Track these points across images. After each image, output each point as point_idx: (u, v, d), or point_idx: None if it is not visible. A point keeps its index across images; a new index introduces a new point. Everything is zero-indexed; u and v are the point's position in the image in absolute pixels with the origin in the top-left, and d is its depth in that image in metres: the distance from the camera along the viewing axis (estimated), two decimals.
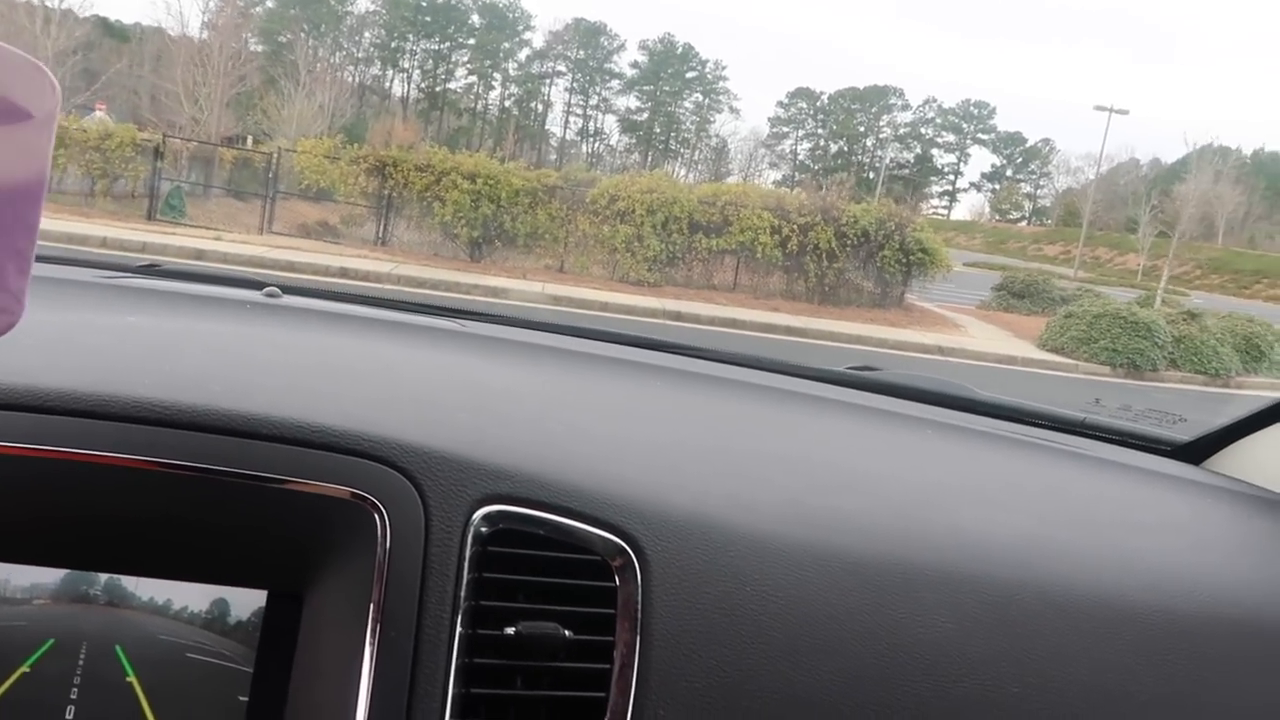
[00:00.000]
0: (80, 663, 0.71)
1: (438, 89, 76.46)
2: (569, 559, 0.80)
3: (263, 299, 1.22)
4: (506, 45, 76.49)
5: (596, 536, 0.80)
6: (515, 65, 78.02)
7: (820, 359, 1.48)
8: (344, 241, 14.24)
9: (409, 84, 76.84)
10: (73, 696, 0.70)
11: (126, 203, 14.48)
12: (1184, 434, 1.37)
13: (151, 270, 1.37)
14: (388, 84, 75.95)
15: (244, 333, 1.08)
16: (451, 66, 76.24)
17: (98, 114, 19.78)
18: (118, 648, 0.71)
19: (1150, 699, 0.87)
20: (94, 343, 0.94)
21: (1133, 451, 1.32)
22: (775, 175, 77.79)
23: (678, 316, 12.07)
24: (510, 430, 0.92)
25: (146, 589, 0.73)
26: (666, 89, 78.19)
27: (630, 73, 79.31)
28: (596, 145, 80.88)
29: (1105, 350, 12.78)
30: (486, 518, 0.78)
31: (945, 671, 0.83)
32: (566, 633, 0.76)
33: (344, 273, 11.83)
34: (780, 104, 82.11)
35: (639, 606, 0.79)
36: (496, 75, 77.48)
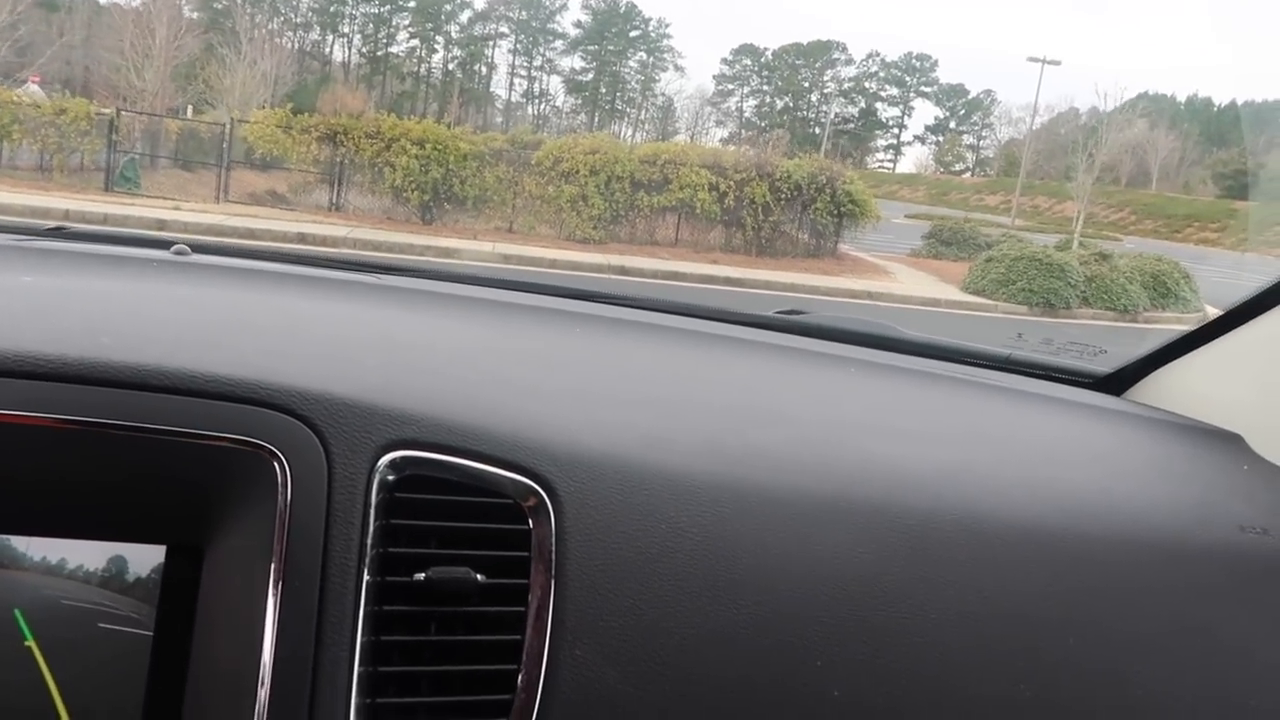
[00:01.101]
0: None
1: (379, 53, 75.81)
2: (480, 503, 0.79)
3: (170, 257, 1.20)
4: (448, 7, 75.92)
5: (507, 479, 0.80)
6: (457, 27, 77.51)
7: (758, 307, 1.48)
8: (298, 208, 14.80)
9: (350, 49, 76.10)
10: None
11: (82, 175, 14.90)
12: (1105, 366, 1.38)
13: (59, 233, 1.33)
14: (328, 49, 75.21)
15: (145, 289, 1.05)
16: (393, 30, 75.60)
17: (32, 87, 19.91)
18: (16, 611, 0.70)
19: (1063, 618, 0.88)
20: None
21: (1055, 384, 1.34)
22: (722, 133, 78.34)
23: (622, 271, 12.82)
24: (417, 377, 0.91)
25: (40, 549, 0.71)
26: (611, 48, 78.20)
27: (574, 33, 79.12)
28: (542, 107, 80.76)
29: (1022, 291, 13.77)
30: (392, 464, 0.78)
31: (864, 600, 0.84)
32: (479, 577, 0.76)
33: (301, 238, 12.42)
34: (725, 61, 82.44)
35: (553, 548, 0.78)
36: (439, 38, 76.96)
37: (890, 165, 79.87)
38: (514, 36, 79.17)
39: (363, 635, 0.73)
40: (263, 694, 0.70)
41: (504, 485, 0.80)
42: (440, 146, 14.50)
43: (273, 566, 0.72)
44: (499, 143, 16.26)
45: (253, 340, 0.90)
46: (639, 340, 1.23)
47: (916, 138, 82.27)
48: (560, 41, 79.52)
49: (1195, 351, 1.28)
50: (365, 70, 73.70)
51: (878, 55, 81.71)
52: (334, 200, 14.97)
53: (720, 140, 71.27)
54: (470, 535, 0.78)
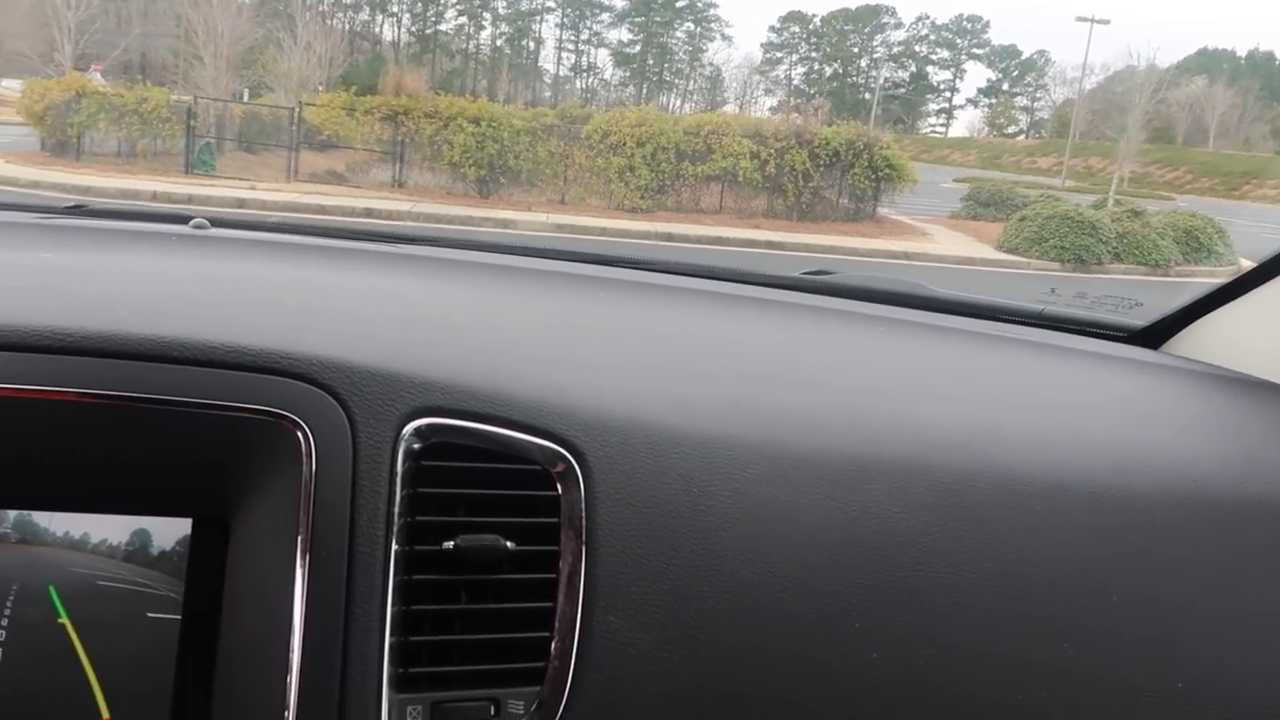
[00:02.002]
0: (9, 605, 0.70)
1: (428, 32, 76.90)
2: (508, 469, 0.79)
3: (190, 231, 1.20)
4: None
5: (534, 445, 0.80)
6: (504, 3, 78.34)
7: (797, 268, 1.46)
8: (363, 186, 15.84)
9: (399, 28, 77.27)
10: (1, 639, 0.70)
11: (163, 159, 16.06)
12: (1141, 319, 1.37)
13: (78, 210, 1.34)
14: (377, 29, 76.45)
15: (164, 263, 1.05)
16: (441, 8, 76.62)
17: (95, 75, 21.11)
18: (51, 588, 0.71)
19: (1105, 574, 0.87)
20: None
21: (1090, 339, 1.32)
22: (770, 102, 78.48)
23: (668, 238, 13.65)
24: (441, 344, 0.90)
25: (65, 524, 0.72)
26: (658, 20, 78.55)
27: (620, 5, 79.55)
28: (591, 80, 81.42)
29: (1055, 248, 14.37)
30: (417, 432, 0.77)
31: (900, 561, 0.83)
32: (509, 544, 0.76)
33: (369, 212, 13.39)
34: (772, 29, 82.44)
35: (583, 513, 0.78)
36: (486, 15, 77.87)
37: (943, 130, 79.46)
38: (561, 11, 79.84)
39: (393, 605, 0.73)
40: (294, 664, 0.70)
41: (531, 451, 0.80)
42: (495, 124, 15.44)
43: (299, 537, 0.72)
44: (549, 118, 17.15)
45: (273, 311, 0.90)
46: (664, 304, 1.22)
47: (969, 101, 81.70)
48: (607, 14, 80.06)
49: (1233, 303, 1.25)
50: (415, 49, 74.87)
51: (927, 18, 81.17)
52: (396, 177, 15.98)
53: (769, 109, 71.49)
54: (498, 502, 0.78)
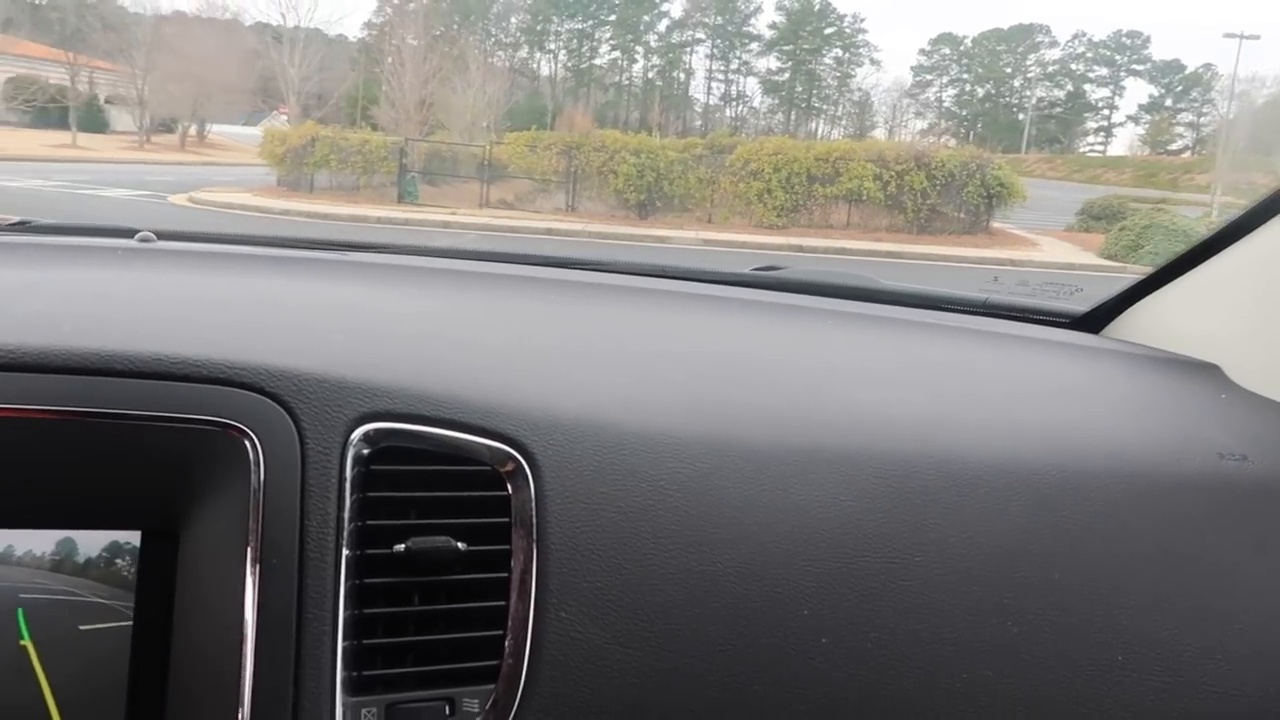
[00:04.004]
0: None
1: (583, 66, 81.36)
2: (458, 471, 0.81)
3: (135, 245, 1.21)
4: (646, 18, 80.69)
5: (483, 446, 0.81)
6: (655, 37, 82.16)
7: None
8: (542, 211, 19.11)
9: (556, 64, 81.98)
10: None
11: (377, 191, 19.70)
12: (1082, 305, 1.42)
13: (21, 226, 1.33)
14: (535, 65, 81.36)
15: (108, 276, 1.05)
16: (595, 44, 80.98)
17: (280, 118, 24.96)
18: (19, 611, 0.71)
19: (1047, 553, 0.90)
20: None
21: (1032, 325, 1.37)
22: (920, 124, 79.75)
23: (799, 249, 16.26)
24: (387, 349, 0.91)
25: (10, 540, 0.72)
26: (806, 47, 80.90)
27: (769, 34, 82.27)
28: (740, 109, 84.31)
29: (1148, 254, 16.38)
30: (365, 437, 0.79)
31: (849, 548, 0.86)
32: (460, 545, 0.78)
33: (549, 232, 16.49)
34: (923, 52, 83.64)
35: (533, 512, 0.80)
36: (638, 48, 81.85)
37: (1101, 148, 79.06)
38: (710, 42, 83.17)
39: (345, 609, 0.75)
40: (247, 671, 0.71)
41: (480, 452, 0.81)
42: (652, 155, 18.64)
43: (249, 546, 0.73)
44: (698, 149, 20.04)
45: (218, 321, 0.91)
46: (614, 304, 1.24)
47: (1129, 118, 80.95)
48: (755, 44, 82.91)
49: (1168, 285, 1.29)
50: (570, 83, 79.44)
51: (1084, 35, 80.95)
52: (569, 203, 19.23)
53: (919, 132, 72.86)
54: (449, 504, 0.80)
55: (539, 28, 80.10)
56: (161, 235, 1.26)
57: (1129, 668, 0.89)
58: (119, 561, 0.74)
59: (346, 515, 0.77)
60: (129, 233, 1.25)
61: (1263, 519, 0.98)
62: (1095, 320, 1.40)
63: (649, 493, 0.84)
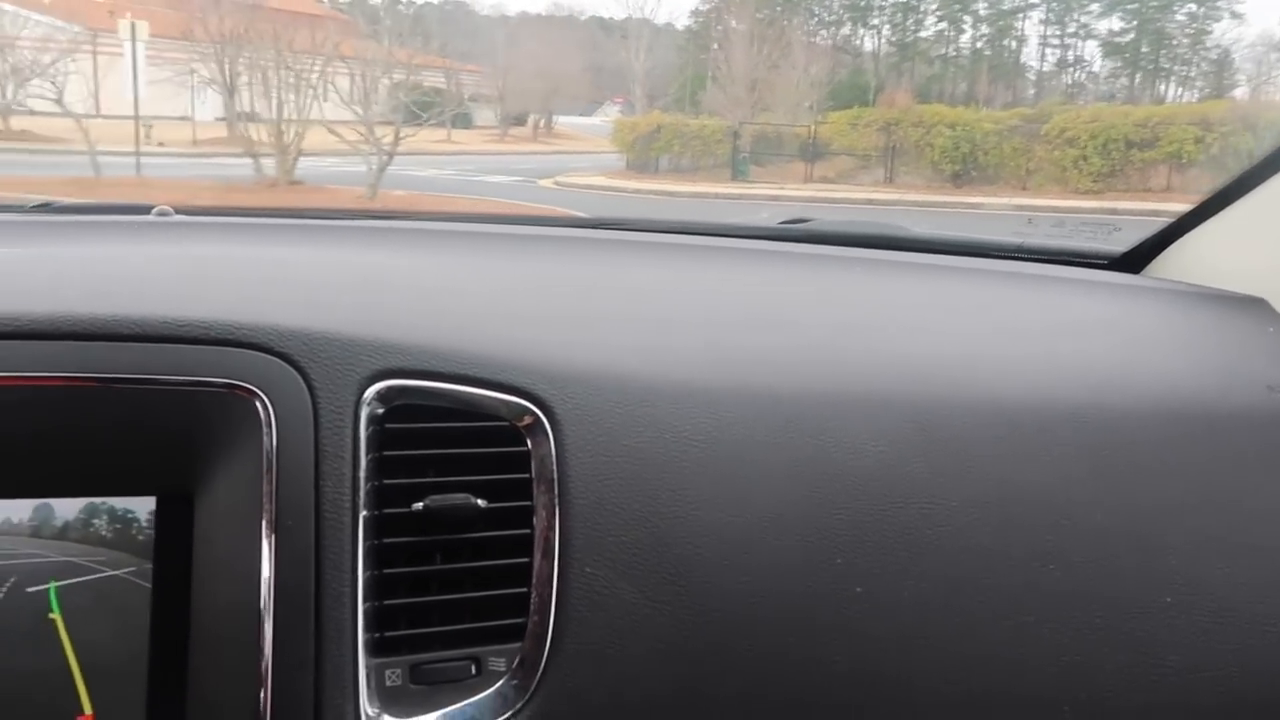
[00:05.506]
0: (14, 598, 0.72)
1: (907, 40, 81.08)
2: (476, 428, 0.81)
3: (151, 219, 1.22)
4: None
5: (500, 400, 0.82)
6: (985, 5, 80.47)
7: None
8: (862, 183, 21.05)
9: (879, 39, 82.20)
10: None
11: (711, 172, 22.24)
12: (1120, 245, 1.42)
13: (44, 208, 1.35)
14: (858, 42, 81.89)
15: (121, 248, 1.07)
16: (920, 16, 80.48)
17: (614, 108, 27.61)
18: (52, 586, 0.73)
19: (1089, 494, 0.90)
20: None
21: (1069, 267, 1.36)
22: None
23: (1113, 212, 17.11)
24: (401, 308, 0.92)
25: (27, 509, 0.73)
26: (1153, 4, 76.44)
27: None
28: (1077, 74, 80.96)
29: None
30: (379, 395, 0.80)
31: (881, 496, 0.86)
32: (480, 502, 0.79)
33: (869, 202, 18.18)
34: None
35: (554, 466, 0.81)
36: (966, 18, 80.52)
37: None
38: (1045, 5, 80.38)
39: (364, 570, 0.76)
40: (268, 634, 0.72)
41: (497, 407, 0.82)
42: (968, 127, 20.10)
43: (265, 508, 0.74)
44: (1013, 120, 21.22)
45: (229, 285, 0.92)
46: (635, 259, 1.24)
47: None
48: (1096, 4, 79.22)
49: (1210, 221, 1.28)
50: (894, 58, 79.22)
51: None
52: (887, 175, 21.10)
53: None
54: (466, 461, 0.80)
55: (862, 3, 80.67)
56: (180, 210, 1.26)
57: (1178, 609, 0.88)
58: (135, 527, 0.74)
59: (362, 475, 0.77)
60: (146, 209, 1.25)
61: None
62: (1134, 260, 1.38)
63: (672, 444, 0.84)
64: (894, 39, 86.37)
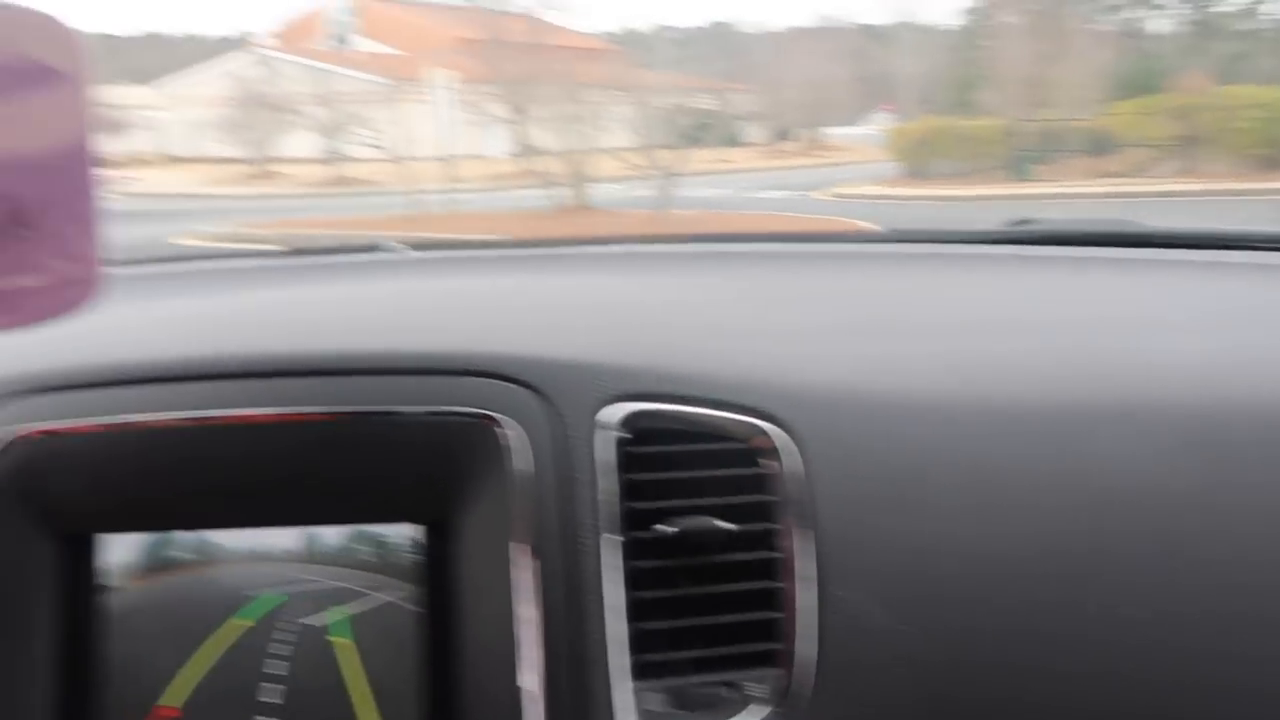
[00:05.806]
0: (298, 623, 0.77)
1: (1199, 18, 75.24)
2: (717, 450, 0.81)
3: (385, 257, 1.27)
4: None
5: (740, 422, 0.82)
6: None
7: None
8: (1157, 175, 19.94)
9: (1168, 19, 76.59)
10: (285, 654, 0.77)
11: (989, 173, 21.66)
12: None
13: (295, 253, 1.45)
14: (1143, 26, 76.64)
15: (363, 287, 1.12)
16: None
17: (882, 115, 27.21)
18: (340, 610, 0.77)
19: None
20: (210, 314, 1.01)
21: None
22: None
23: None
24: (635, 332, 0.94)
25: (297, 538, 0.79)
26: None
27: None
28: None
29: None
30: (621, 419, 0.81)
31: (1152, 510, 0.82)
32: (729, 526, 0.79)
33: (1165, 195, 17.14)
34: None
35: (797, 486, 0.80)
36: None
37: None
38: None
39: (620, 593, 0.77)
40: (534, 660, 0.74)
41: (738, 429, 0.82)
42: (1276, 108, 18.64)
43: (517, 533, 0.76)
44: None
45: (467, 317, 0.97)
46: (860, 272, 1.21)
47: None
48: None
49: None
50: (1186, 39, 73.37)
51: None
52: (1185, 165, 19.88)
53: None
54: (711, 483, 0.80)
55: None
56: (415, 245, 1.31)
57: None
58: (398, 553, 0.78)
59: (609, 498, 0.78)
60: (370, 247, 1.30)
61: None
62: None
63: (916, 459, 0.82)
64: (1187, 17, 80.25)
